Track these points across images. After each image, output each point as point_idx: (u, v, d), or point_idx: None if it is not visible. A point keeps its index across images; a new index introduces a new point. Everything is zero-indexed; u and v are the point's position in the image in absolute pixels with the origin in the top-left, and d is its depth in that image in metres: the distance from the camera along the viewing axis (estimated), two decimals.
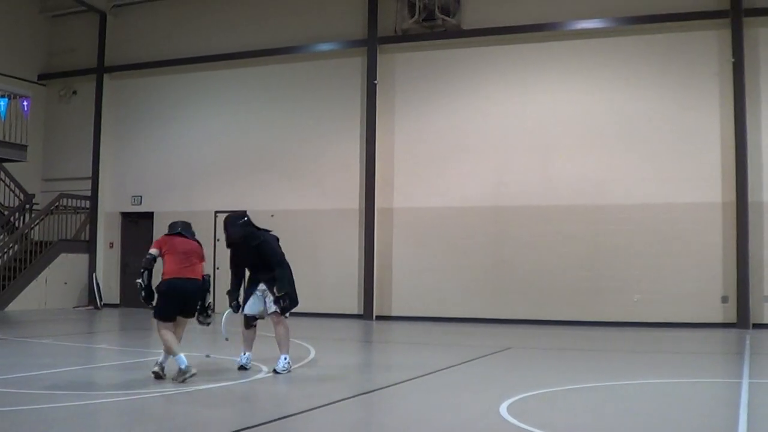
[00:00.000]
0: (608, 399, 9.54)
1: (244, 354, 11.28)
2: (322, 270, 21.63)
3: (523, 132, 20.54)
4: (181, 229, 11.01)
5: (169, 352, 10.33)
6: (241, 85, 23.47)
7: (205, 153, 23.66)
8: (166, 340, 10.33)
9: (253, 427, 7.54)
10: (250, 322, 11.36)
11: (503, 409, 8.43)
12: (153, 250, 10.82)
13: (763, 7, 19.09)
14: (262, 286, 11.23)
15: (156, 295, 10.58)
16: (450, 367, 12.07)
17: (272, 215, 21.92)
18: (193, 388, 9.72)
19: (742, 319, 18.52)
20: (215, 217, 22.92)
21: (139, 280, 10.53)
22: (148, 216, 24.24)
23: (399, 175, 21.26)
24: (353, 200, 21.73)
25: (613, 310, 19.36)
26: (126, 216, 24.94)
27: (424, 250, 20.96)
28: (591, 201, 19.82)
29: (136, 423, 7.98)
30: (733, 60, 18.95)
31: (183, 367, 10.09)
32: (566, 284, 19.79)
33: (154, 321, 10.64)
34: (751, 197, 18.74)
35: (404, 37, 21.68)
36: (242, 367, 11.16)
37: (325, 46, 22.43)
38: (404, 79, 21.71)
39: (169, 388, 9.73)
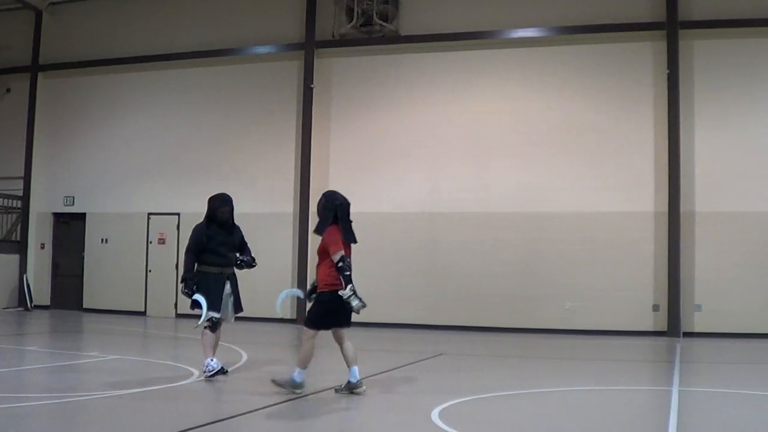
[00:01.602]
0: (540, 406, 9.43)
1: (213, 360, 10.59)
2: (256, 274, 20.82)
3: (459, 139, 20.18)
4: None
5: (304, 365, 9.49)
6: (177, 86, 22.76)
7: (140, 154, 22.86)
8: (308, 351, 9.50)
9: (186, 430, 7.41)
10: (218, 325, 10.75)
11: (435, 416, 8.35)
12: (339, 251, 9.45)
13: (698, 19, 18.97)
14: (228, 289, 10.83)
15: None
16: (382, 372, 11.79)
17: None
18: (126, 392, 9.45)
19: (673, 328, 18.38)
20: (148, 219, 22.37)
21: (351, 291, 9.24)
22: (81, 217, 23.45)
23: (334, 179, 20.60)
24: (288, 204, 21.16)
25: (546, 317, 19.10)
26: (58, 216, 24.03)
27: (358, 255, 20.39)
28: (525, 208, 19.53)
29: (67, 426, 7.76)
30: (667, 71, 18.82)
31: (297, 381, 9.47)
32: (500, 291, 19.48)
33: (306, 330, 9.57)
34: (684, 207, 18.59)
35: (342, 42, 21.14)
36: (221, 371, 10.62)
37: (262, 49, 21.83)
38: (341, 84, 21.20)
39: (98, 392, 9.36)
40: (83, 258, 23.28)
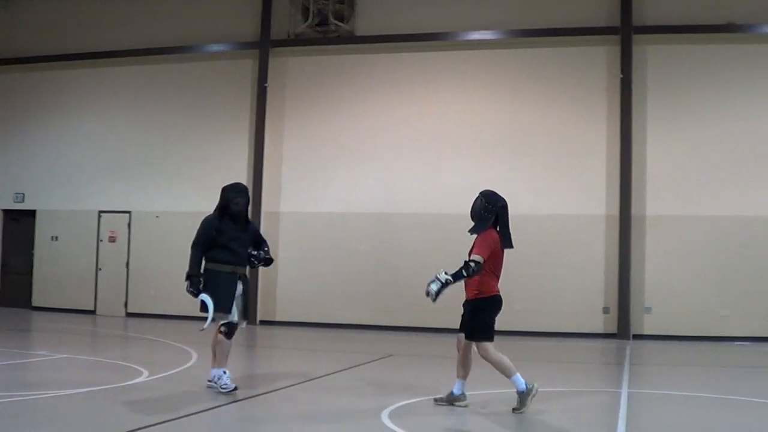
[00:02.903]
0: (489, 407, 9.30)
1: (226, 373, 9.72)
2: None
3: (413, 139, 19.91)
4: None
5: (508, 372, 8.85)
6: (130, 84, 22.17)
7: (91, 151, 22.24)
8: (502, 361, 8.87)
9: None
10: (235, 330, 9.85)
11: (384, 416, 8.37)
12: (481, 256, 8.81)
13: (653, 24, 18.90)
14: (240, 290, 9.79)
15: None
16: (332, 373, 11.76)
17: (157, 216, 21.14)
18: (74, 391, 9.24)
19: (623, 330, 18.30)
20: (99, 216, 21.85)
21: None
22: (31, 214, 22.79)
23: (287, 179, 20.29)
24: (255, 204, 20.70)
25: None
26: (8, 213, 23.33)
27: (310, 255, 20.14)
28: None
29: (12, 426, 7.51)
30: (621, 76, 18.71)
31: (524, 389, 8.79)
32: (452, 292, 19.21)
33: (478, 344, 9.01)
34: (635, 210, 18.51)
35: (297, 41, 20.74)
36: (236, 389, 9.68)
37: (216, 47, 21.33)
38: (296, 83, 20.79)
39: (45, 391, 9.14)
40: (33, 256, 22.68)
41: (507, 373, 8.85)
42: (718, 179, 18.47)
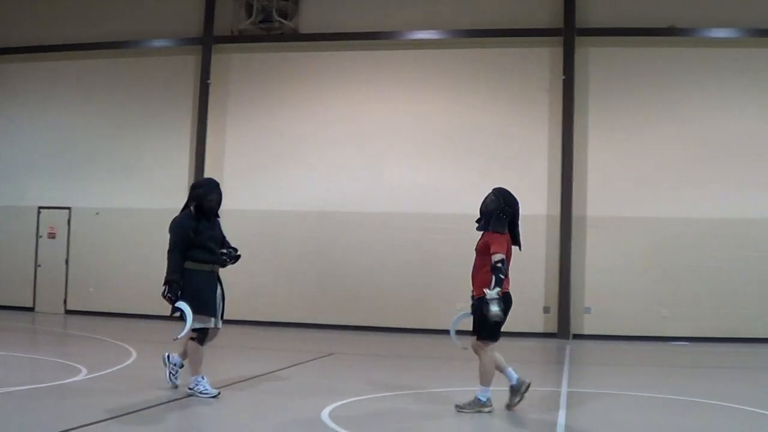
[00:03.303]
0: (430, 406, 9.37)
1: (204, 378, 9.36)
2: (148, 270, 20.20)
3: (357, 138, 19.79)
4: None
5: (488, 382, 8.77)
6: (71, 78, 21.72)
7: (31, 146, 21.76)
8: (491, 368, 8.77)
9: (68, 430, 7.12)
10: (207, 335, 9.40)
11: (325, 415, 8.35)
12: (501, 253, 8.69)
13: (595, 27, 18.99)
14: (219, 291, 9.49)
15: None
16: (274, 371, 11.60)
17: (97, 213, 20.84)
18: (11, 389, 9.07)
19: (563, 330, 18.40)
20: (38, 212, 21.43)
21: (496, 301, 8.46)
22: None
23: (229, 176, 19.85)
24: (181, 201, 20.23)
25: (438, 318, 18.69)
26: None
27: (251, 253, 19.71)
28: (420, 209, 19.28)
29: None
30: (564, 77, 18.77)
31: (482, 399, 8.74)
32: (394, 291, 19.21)
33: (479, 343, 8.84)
34: (576, 211, 18.60)
35: (240, 38, 20.52)
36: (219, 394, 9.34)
37: (159, 43, 21.01)
38: (239, 80, 20.54)
39: None
40: None
41: (484, 381, 8.77)
42: (658, 180, 18.61)
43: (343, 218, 19.71)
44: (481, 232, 9.07)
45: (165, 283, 9.15)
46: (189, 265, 9.26)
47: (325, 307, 19.54)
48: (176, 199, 19.99)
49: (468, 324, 9.11)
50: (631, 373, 13.61)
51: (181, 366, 9.69)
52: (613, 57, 19.14)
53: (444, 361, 14.46)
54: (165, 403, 8.85)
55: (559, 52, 18.99)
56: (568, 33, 18.88)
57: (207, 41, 20.49)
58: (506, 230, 8.93)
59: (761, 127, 18.61)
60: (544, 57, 19.25)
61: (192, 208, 9.54)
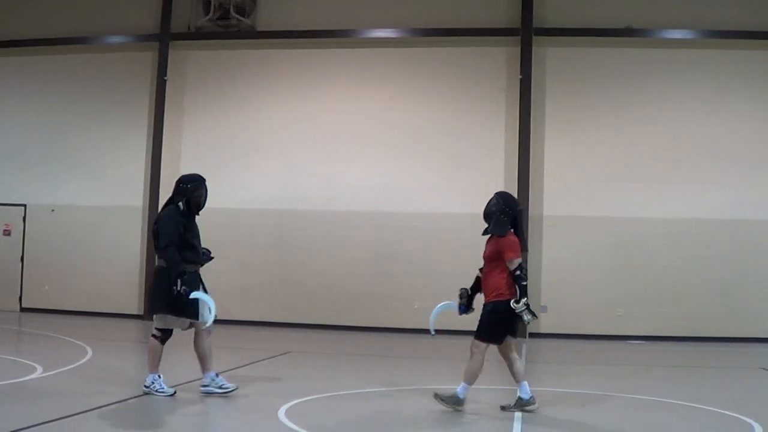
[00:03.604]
0: (385, 405, 9.46)
1: (161, 377, 9.27)
2: (102, 268, 20.14)
3: (315, 136, 19.66)
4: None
5: (472, 380, 8.90)
6: (25, 74, 21.44)
7: None
8: (478, 369, 8.87)
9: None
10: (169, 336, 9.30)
11: (281, 414, 8.34)
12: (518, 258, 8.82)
13: (552, 27, 19.02)
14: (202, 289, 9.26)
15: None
16: (229, 370, 11.39)
17: (53, 210, 20.59)
18: None
19: (519, 328, 18.29)
20: None
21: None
22: None
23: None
24: (137, 198, 20.17)
25: (395, 316, 18.81)
26: None
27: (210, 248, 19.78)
28: (378, 208, 19.23)
29: None
30: (521, 77, 18.78)
31: (457, 397, 8.87)
32: (351, 290, 19.15)
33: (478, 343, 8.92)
34: (532, 210, 18.57)
35: (198, 35, 20.28)
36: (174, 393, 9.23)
37: (115, 39, 20.74)
38: (196, 77, 20.33)
39: None
40: None
41: (468, 379, 8.87)
42: (615, 180, 18.68)
43: (300, 216, 19.61)
44: (487, 239, 9.18)
45: (175, 280, 8.89)
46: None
47: (282, 306, 19.40)
48: (133, 197, 20.20)
49: (458, 320, 9.47)
50: (587, 372, 13.71)
51: (159, 376, 9.36)
52: (570, 57, 19.18)
53: (401, 360, 14.57)
54: (120, 401, 8.78)
55: (516, 51, 18.98)
56: (526, 33, 18.87)
57: (164, 38, 20.25)
58: (506, 232, 8.94)
59: (717, 127, 18.74)
60: (502, 56, 19.24)
61: (182, 203, 9.35)
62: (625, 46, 19.04)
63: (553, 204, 18.80)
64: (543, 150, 18.91)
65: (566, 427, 8.54)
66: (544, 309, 18.50)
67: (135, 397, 9.06)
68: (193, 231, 9.33)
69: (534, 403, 8.92)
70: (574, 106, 19.04)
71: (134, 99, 20.60)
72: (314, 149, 19.61)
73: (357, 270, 19.18)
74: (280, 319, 19.24)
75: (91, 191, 20.48)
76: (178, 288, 8.84)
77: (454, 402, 8.84)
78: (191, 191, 9.36)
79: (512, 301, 8.66)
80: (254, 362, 12.91)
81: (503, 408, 9.03)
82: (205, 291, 9.41)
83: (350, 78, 19.85)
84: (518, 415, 8.65)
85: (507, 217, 9.00)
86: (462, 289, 9.35)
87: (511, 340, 9.06)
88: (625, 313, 18.41)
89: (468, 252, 18.57)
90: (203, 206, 9.49)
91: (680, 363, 15.11)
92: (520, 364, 9.08)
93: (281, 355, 14.18)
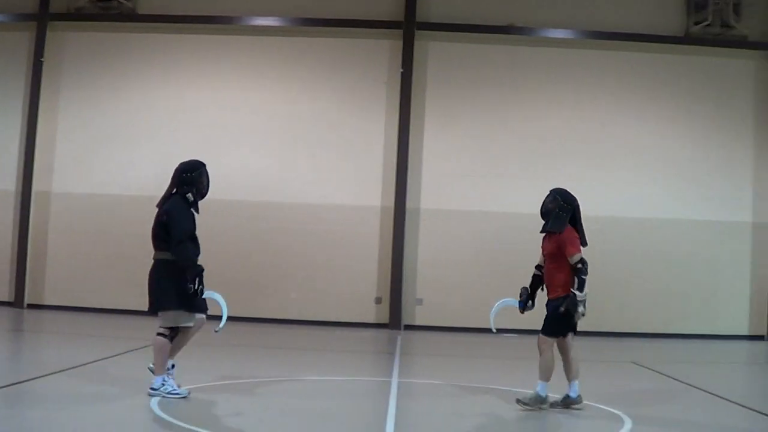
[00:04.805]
0: (264, 395, 9.48)
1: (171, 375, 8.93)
2: None
3: (193, 123, 19.17)
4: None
5: (548, 377, 8.91)
6: None
7: None
8: (550, 361, 8.89)
9: None
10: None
11: (154, 403, 8.27)
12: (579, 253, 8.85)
13: (435, 21, 19.09)
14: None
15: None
16: (99, 360, 11.30)
17: None
18: None
19: (394, 320, 18.46)
20: None
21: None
22: None
23: (62, 158, 19.12)
24: (11, 183, 19.35)
25: (272, 306, 18.66)
26: None
27: (82, 237, 19.02)
28: (257, 197, 18.96)
29: None
30: (402, 70, 18.77)
31: (541, 396, 8.86)
32: (227, 279, 18.67)
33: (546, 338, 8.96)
34: (409, 203, 18.65)
35: (77, 16, 19.53)
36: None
37: None
38: (74, 60, 19.57)
39: None
40: None
41: (543, 377, 8.89)
42: (492, 175, 18.89)
43: None
44: (546, 236, 9.28)
45: (194, 278, 8.60)
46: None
47: None
48: (5, 181, 19.46)
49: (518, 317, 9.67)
50: (460, 364, 13.99)
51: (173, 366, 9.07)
52: (452, 52, 19.26)
53: (277, 351, 14.56)
54: None
55: (398, 45, 18.96)
56: (408, 27, 18.85)
57: (42, 17, 19.42)
58: (564, 228, 9.02)
59: (593, 125, 19.13)
60: (384, 49, 19.18)
61: (191, 194, 8.98)
62: (506, 44, 19.24)
63: (430, 197, 18.87)
64: (422, 143, 18.96)
65: (439, 417, 8.77)
66: (419, 302, 18.63)
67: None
68: (196, 224, 8.98)
69: (581, 401, 9.03)
70: (454, 100, 19.12)
71: (8, 80, 19.69)
72: (193, 136, 19.01)
73: (234, 259, 18.70)
74: None
75: None
76: (196, 286, 8.57)
77: (538, 402, 8.87)
78: (197, 179, 8.97)
79: (572, 292, 8.72)
80: (130, 351, 12.69)
81: (518, 401, 9.07)
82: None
83: (232, 66, 19.47)
84: (393, 409, 8.68)
85: (566, 213, 9.10)
86: (523, 288, 9.44)
87: (570, 337, 9.12)
88: None
89: (345, 243, 18.81)
90: (206, 194, 9.11)
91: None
92: (575, 364, 9.11)
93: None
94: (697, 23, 19.17)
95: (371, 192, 18.82)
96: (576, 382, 9.05)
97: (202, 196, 9.06)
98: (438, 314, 18.64)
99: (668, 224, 19.02)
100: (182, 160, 9.16)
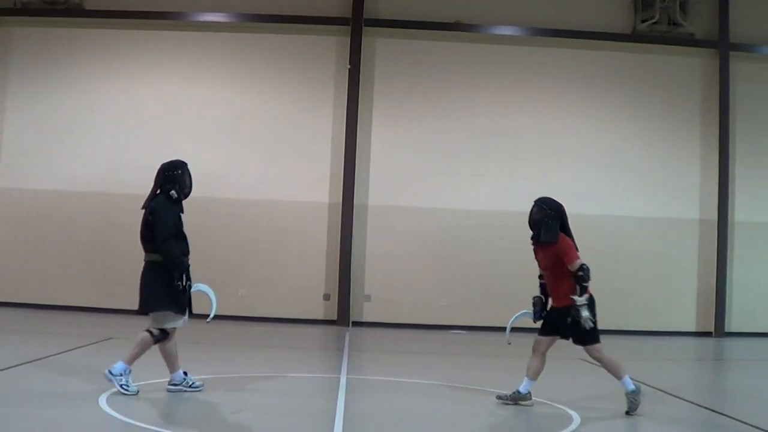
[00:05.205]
0: (212, 392, 9.32)
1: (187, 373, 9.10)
2: None
3: (140, 120, 19.05)
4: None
5: (622, 373, 8.78)
6: None
7: None
8: (614, 359, 8.88)
9: None
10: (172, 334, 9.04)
11: (102, 401, 8.21)
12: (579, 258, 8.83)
13: (383, 18, 19.13)
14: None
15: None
16: (48, 356, 11.21)
17: None
18: None
19: (343, 317, 18.46)
20: None
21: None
22: None
23: (7, 155, 19.02)
24: None
25: (220, 303, 18.48)
26: None
27: (28, 233, 18.91)
28: (206, 194, 18.71)
29: None
30: (349, 66, 18.77)
31: (632, 389, 8.73)
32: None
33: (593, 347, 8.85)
34: (357, 200, 18.65)
35: (24, 11, 19.33)
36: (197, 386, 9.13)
37: None
38: (21, 55, 19.36)
39: None
40: None
41: (619, 374, 8.79)
42: (440, 172, 18.93)
43: (126, 201, 18.84)
44: (539, 247, 9.21)
45: (180, 275, 8.66)
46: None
47: (107, 291, 18.68)
48: None
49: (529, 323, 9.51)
50: (409, 361, 13.86)
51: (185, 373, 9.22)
52: (400, 49, 19.31)
53: (225, 347, 14.41)
54: None
55: (345, 41, 18.96)
56: (356, 23, 18.87)
57: None
58: (557, 238, 8.94)
59: (542, 122, 19.23)
60: (332, 45, 19.19)
61: (174, 191, 8.94)
62: (454, 41, 19.31)
63: (378, 194, 18.89)
64: (370, 140, 18.97)
65: (386, 414, 8.71)
66: (367, 298, 18.63)
67: None
68: (182, 220, 8.93)
69: (529, 400, 9.05)
70: (402, 97, 19.17)
71: None
72: (140, 133, 18.92)
73: None
74: (104, 305, 18.49)
75: None
76: (183, 283, 8.59)
77: (633, 395, 8.74)
78: (179, 177, 8.96)
79: (575, 297, 8.66)
80: (76, 348, 12.59)
81: (498, 398, 9.14)
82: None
83: (180, 62, 19.35)
84: (341, 405, 8.71)
85: (554, 221, 9.00)
86: (535, 297, 9.29)
87: (555, 340, 9.10)
88: (448, 303, 18.63)
89: (293, 239, 18.76)
90: (190, 193, 9.11)
91: (501, 353, 15.29)
92: (542, 365, 9.11)
93: (104, 341, 13.81)
94: (644, 21, 19.37)
95: (319, 188, 18.80)
96: (532, 382, 9.08)
97: (186, 195, 9.05)
98: (386, 311, 18.65)
99: (616, 221, 19.15)
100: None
